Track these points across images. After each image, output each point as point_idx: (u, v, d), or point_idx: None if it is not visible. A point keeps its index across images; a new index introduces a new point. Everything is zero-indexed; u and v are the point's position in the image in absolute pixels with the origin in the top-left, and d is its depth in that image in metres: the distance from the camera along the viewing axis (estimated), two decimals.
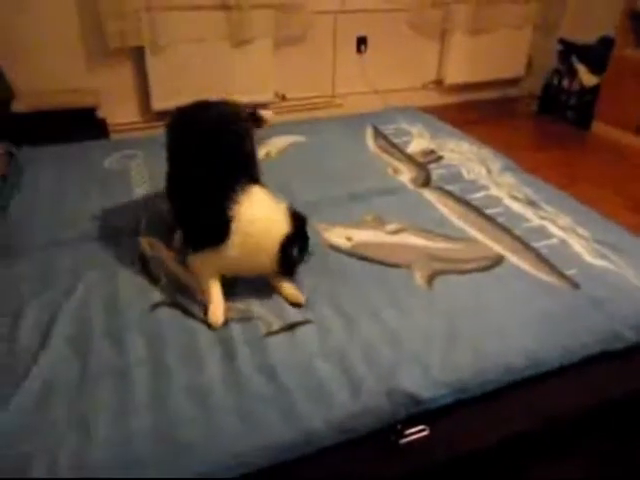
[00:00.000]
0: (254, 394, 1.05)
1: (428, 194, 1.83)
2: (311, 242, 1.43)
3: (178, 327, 1.21)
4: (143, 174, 1.90)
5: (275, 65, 3.28)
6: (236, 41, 3.11)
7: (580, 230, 1.62)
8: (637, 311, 1.31)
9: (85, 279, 1.34)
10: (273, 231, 1.25)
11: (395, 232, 1.60)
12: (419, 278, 1.39)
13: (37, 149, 2.07)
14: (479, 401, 1.13)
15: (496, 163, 2.07)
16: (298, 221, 1.28)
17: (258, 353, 1.14)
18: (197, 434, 0.97)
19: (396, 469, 1.07)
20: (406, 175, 1.96)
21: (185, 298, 1.29)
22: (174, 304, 1.27)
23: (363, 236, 1.57)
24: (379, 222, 1.64)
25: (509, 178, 1.96)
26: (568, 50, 3.77)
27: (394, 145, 2.20)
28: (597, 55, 3.60)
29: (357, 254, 1.48)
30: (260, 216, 1.26)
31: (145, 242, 1.50)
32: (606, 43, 3.59)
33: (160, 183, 1.65)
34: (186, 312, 1.25)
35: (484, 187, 1.88)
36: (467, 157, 2.12)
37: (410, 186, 1.90)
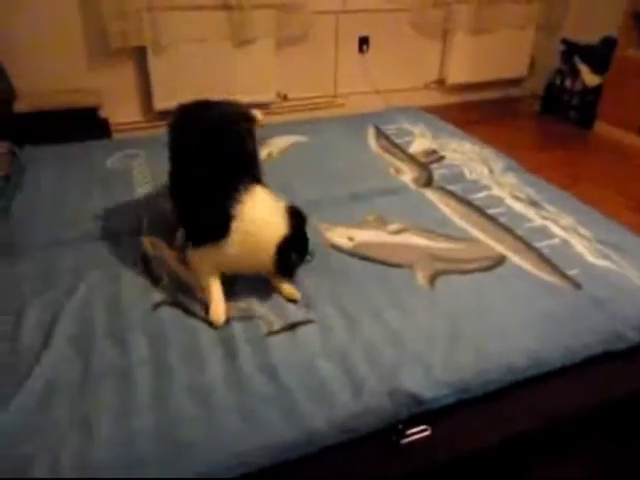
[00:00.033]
0: (256, 393, 1.05)
1: (430, 194, 1.82)
2: (313, 242, 1.43)
3: (180, 326, 1.21)
4: (145, 174, 1.91)
5: (277, 65, 3.28)
6: (238, 41, 3.11)
7: (582, 230, 1.61)
8: (639, 311, 1.30)
9: (87, 279, 1.34)
10: (272, 232, 1.25)
11: (397, 232, 1.60)
12: (421, 278, 1.39)
13: (39, 149, 2.08)
14: (481, 401, 1.12)
15: (498, 163, 2.07)
16: (297, 222, 1.28)
17: (260, 352, 1.14)
18: (199, 433, 0.97)
19: (398, 469, 1.06)
20: (408, 175, 1.96)
21: (187, 297, 1.29)
22: (176, 303, 1.27)
23: (365, 236, 1.57)
24: (381, 222, 1.64)
25: (511, 178, 1.95)
26: (571, 50, 3.76)
27: (396, 145, 2.20)
28: (600, 55, 3.59)
29: (359, 254, 1.48)
30: (261, 216, 1.26)
31: (147, 241, 1.50)
32: (609, 43, 3.58)
33: (162, 182, 1.66)
34: (188, 311, 1.25)
35: (486, 187, 1.88)
36: (469, 157, 2.11)
37: (412, 186, 1.90)
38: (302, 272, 1.38)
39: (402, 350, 1.16)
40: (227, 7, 3.01)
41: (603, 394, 1.24)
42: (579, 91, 3.73)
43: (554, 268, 1.44)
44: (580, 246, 1.54)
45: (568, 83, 3.79)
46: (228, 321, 1.22)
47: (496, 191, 1.85)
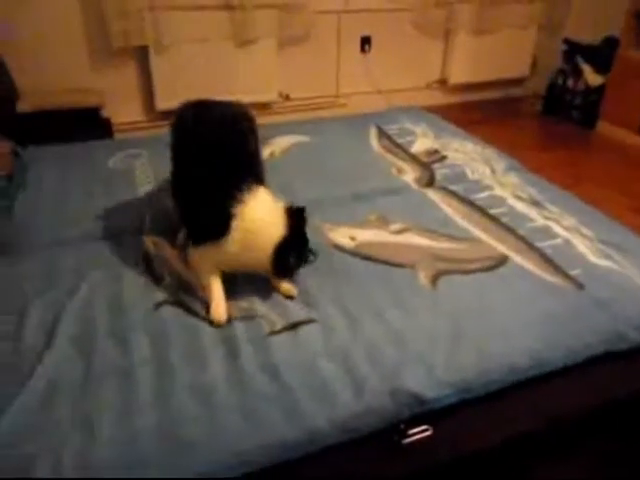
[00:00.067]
0: (257, 393, 1.05)
1: (432, 194, 1.82)
2: (315, 242, 1.43)
3: (182, 326, 1.21)
4: (147, 173, 1.91)
5: (279, 65, 3.28)
6: (240, 41, 3.11)
7: (584, 230, 1.61)
8: None
9: (89, 278, 1.34)
10: (270, 232, 1.26)
11: (399, 232, 1.59)
12: (423, 278, 1.39)
13: (41, 149, 2.08)
14: (483, 401, 1.12)
15: (500, 163, 2.07)
16: (296, 223, 1.29)
17: (261, 352, 1.14)
18: (201, 433, 0.98)
19: (399, 469, 1.06)
20: (410, 175, 1.96)
21: (189, 297, 1.29)
22: (178, 303, 1.27)
23: (367, 236, 1.57)
24: (383, 222, 1.64)
25: (513, 178, 1.95)
26: (573, 50, 3.75)
27: (398, 145, 2.20)
28: (602, 55, 3.59)
29: (361, 254, 1.48)
30: (261, 216, 1.27)
31: (149, 241, 1.50)
32: (611, 43, 3.58)
33: (164, 182, 1.66)
34: (190, 311, 1.25)
35: (488, 187, 1.88)
36: (471, 157, 2.11)
37: (414, 186, 1.90)
38: (304, 272, 1.38)
39: (404, 350, 1.16)
40: (229, 7, 3.01)
41: (605, 394, 1.24)
42: (581, 91, 3.72)
43: (556, 268, 1.44)
44: (582, 246, 1.54)
45: (570, 83, 3.79)
46: (230, 320, 1.23)
47: (498, 191, 1.85)
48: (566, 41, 3.79)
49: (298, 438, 0.98)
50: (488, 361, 1.15)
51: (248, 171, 1.36)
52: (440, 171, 1.99)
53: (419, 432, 1.06)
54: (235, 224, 1.23)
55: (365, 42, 3.53)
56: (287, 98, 3.44)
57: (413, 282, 1.37)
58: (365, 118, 2.48)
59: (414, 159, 2.08)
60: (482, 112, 3.83)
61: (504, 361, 1.15)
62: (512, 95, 4.09)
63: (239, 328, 1.21)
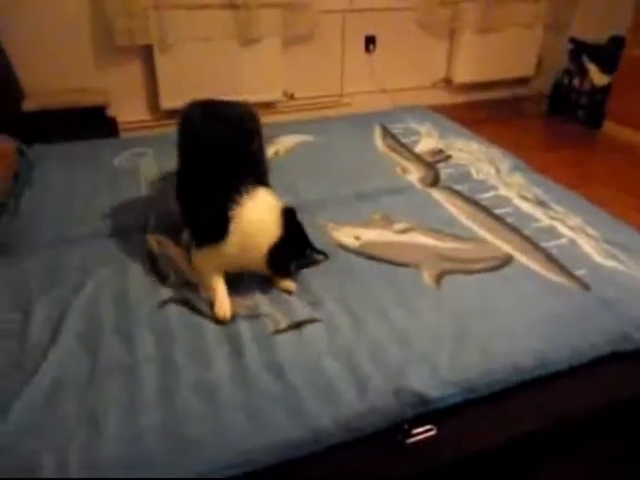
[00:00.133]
0: (262, 392, 1.05)
1: (436, 194, 1.82)
2: (319, 241, 1.43)
3: (186, 324, 1.22)
4: (152, 172, 1.91)
5: (283, 64, 3.28)
6: (244, 40, 3.11)
7: (590, 230, 1.60)
8: None
9: (94, 276, 1.35)
10: (266, 233, 1.28)
11: (403, 231, 1.59)
12: (427, 277, 1.39)
13: (47, 147, 2.09)
14: (487, 401, 1.12)
15: (505, 163, 2.06)
16: (291, 223, 1.31)
17: (266, 351, 1.14)
18: (205, 431, 0.98)
19: (403, 469, 1.06)
20: (414, 174, 1.96)
21: (193, 295, 1.30)
22: (183, 301, 1.28)
23: (371, 235, 1.56)
24: (387, 221, 1.64)
25: (518, 178, 1.95)
26: (579, 49, 3.74)
27: (402, 144, 2.19)
28: (608, 54, 3.57)
29: (365, 253, 1.48)
30: (258, 217, 1.28)
31: (153, 240, 1.50)
32: (617, 42, 3.56)
33: (169, 181, 1.66)
34: (194, 309, 1.26)
35: (493, 187, 1.87)
36: (476, 157, 2.10)
37: (418, 185, 1.89)
38: (308, 271, 1.38)
39: (408, 349, 1.16)
40: (233, 6, 3.01)
41: (610, 394, 1.23)
42: (587, 90, 3.70)
43: (561, 268, 1.43)
44: (588, 246, 1.53)
45: (576, 82, 3.77)
46: (234, 318, 1.23)
47: (503, 191, 1.85)
48: (572, 40, 3.78)
49: (302, 437, 0.99)
50: (492, 361, 1.15)
51: (250, 172, 1.38)
52: (445, 171, 1.98)
53: (423, 432, 1.06)
54: (233, 227, 1.26)
55: (370, 41, 3.53)
56: (291, 97, 3.44)
57: (417, 282, 1.37)
58: (369, 117, 2.47)
59: (419, 159, 2.08)
60: (487, 112, 3.82)
61: (508, 361, 1.15)
62: (517, 95, 4.08)
63: (243, 327, 1.21)
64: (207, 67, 3.08)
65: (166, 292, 1.31)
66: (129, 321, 1.21)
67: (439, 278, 1.38)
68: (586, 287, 1.36)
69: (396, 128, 2.34)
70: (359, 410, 1.03)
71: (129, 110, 3.06)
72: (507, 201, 1.78)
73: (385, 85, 3.63)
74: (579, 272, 1.42)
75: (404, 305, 1.28)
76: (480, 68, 3.82)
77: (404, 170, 1.99)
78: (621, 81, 3.45)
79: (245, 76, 3.19)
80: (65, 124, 2.52)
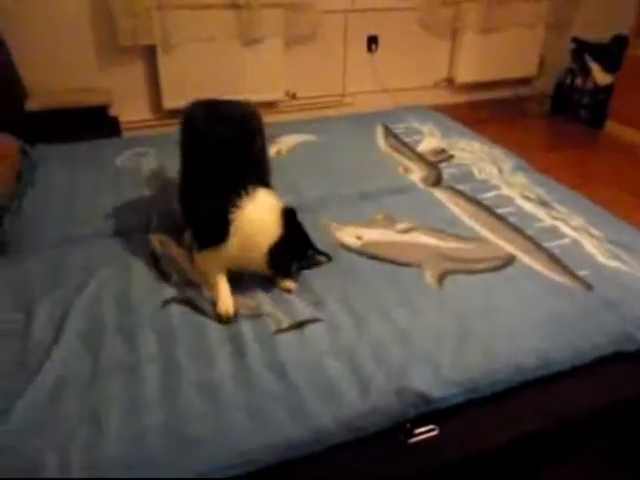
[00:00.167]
0: (264, 391, 1.05)
1: (439, 193, 1.82)
2: (321, 241, 1.43)
3: (189, 323, 1.22)
4: (155, 172, 1.91)
5: (285, 64, 3.28)
6: (246, 40, 3.12)
7: (593, 230, 1.60)
8: None
9: (97, 276, 1.35)
10: (265, 234, 1.29)
11: (405, 231, 1.59)
12: (429, 277, 1.39)
13: (50, 147, 2.09)
14: (490, 401, 1.12)
15: (507, 163, 2.06)
16: (291, 224, 1.31)
17: (268, 350, 1.14)
18: (207, 430, 0.98)
19: (405, 468, 1.06)
20: (417, 174, 1.96)
21: (196, 294, 1.30)
22: (185, 301, 1.28)
23: (373, 235, 1.56)
24: (389, 221, 1.64)
25: (521, 178, 1.94)
26: (581, 49, 3.73)
27: (405, 144, 2.19)
28: (611, 54, 3.56)
29: (367, 253, 1.48)
30: (258, 218, 1.29)
31: (155, 240, 1.50)
32: (620, 41, 3.55)
33: (171, 180, 1.67)
34: (197, 308, 1.26)
35: (495, 187, 1.87)
36: (478, 156, 2.10)
37: (421, 185, 1.89)
38: (310, 271, 1.38)
39: (410, 349, 1.16)
40: (235, 6, 3.01)
41: (613, 394, 1.23)
42: (590, 90, 3.69)
43: (564, 268, 1.43)
44: (591, 246, 1.53)
45: (579, 82, 3.76)
46: (236, 316, 1.23)
47: (505, 191, 1.84)
48: (574, 40, 3.77)
49: (304, 437, 0.99)
50: (495, 361, 1.14)
51: (252, 171, 1.39)
52: (447, 170, 1.98)
53: (425, 431, 1.06)
54: (233, 229, 1.27)
55: (372, 41, 3.52)
56: (294, 97, 3.44)
57: (419, 281, 1.37)
58: (372, 117, 2.47)
59: (421, 158, 2.07)
60: (489, 111, 3.81)
61: (511, 361, 1.15)
62: (520, 94, 4.07)
63: (246, 326, 1.21)
64: (209, 67, 3.08)
65: (168, 292, 1.31)
66: (132, 321, 1.21)
67: (441, 278, 1.38)
68: (589, 287, 1.36)
69: (398, 128, 2.34)
70: (361, 410, 1.03)
71: (132, 110, 3.07)
72: (509, 201, 1.78)
73: (387, 85, 3.63)
74: (582, 272, 1.41)
75: (406, 305, 1.28)
76: (482, 68, 3.81)
77: (406, 170, 1.99)
78: (624, 80, 3.44)
79: (247, 76, 3.19)
80: (68, 124, 2.52)
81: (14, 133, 2.01)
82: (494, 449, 1.12)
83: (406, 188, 1.86)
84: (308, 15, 3.19)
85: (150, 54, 3.00)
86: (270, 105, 3.33)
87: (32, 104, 2.57)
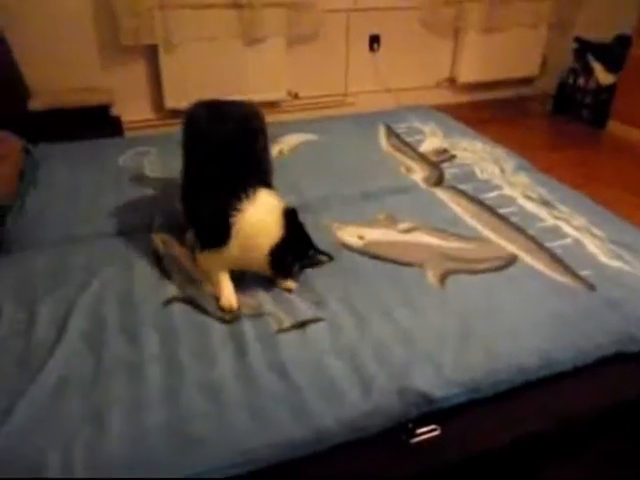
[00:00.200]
0: (265, 391, 1.05)
1: (441, 193, 1.82)
2: (323, 240, 1.43)
3: (191, 323, 1.22)
4: (156, 171, 1.92)
5: (288, 63, 3.28)
6: (248, 39, 3.12)
7: (595, 230, 1.60)
8: None
9: (99, 275, 1.35)
10: (267, 235, 1.29)
11: (407, 231, 1.59)
12: (431, 277, 1.39)
13: (52, 146, 2.10)
14: (492, 401, 1.12)
15: (510, 162, 2.05)
16: (292, 224, 1.32)
17: (269, 350, 1.14)
18: (209, 430, 0.98)
19: (407, 468, 1.06)
20: (419, 174, 1.96)
21: (198, 294, 1.30)
22: (187, 300, 1.28)
23: (375, 235, 1.56)
24: (391, 221, 1.64)
25: (523, 178, 1.94)
26: (584, 48, 3.72)
27: (407, 144, 2.19)
28: (613, 53, 3.55)
29: (369, 253, 1.48)
30: (260, 219, 1.30)
31: (158, 239, 1.51)
32: (623, 41, 3.54)
33: (174, 180, 1.67)
34: (199, 308, 1.26)
35: (497, 187, 1.87)
36: (480, 156, 2.10)
37: (423, 185, 1.89)
38: (312, 271, 1.38)
39: (412, 349, 1.15)
40: (238, 5, 3.01)
41: (615, 395, 1.23)
42: (592, 90, 3.69)
43: (566, 268, 1.43)
44: (593, 246, 1.53)
45: (581, 82, 3.75)
46: (239, 317, 1.23)
47: (507, 191, 1.84)
48: (577, 39, 3.76)
49: (305, 437, 0.99)
50: (497, 361, 1.14)
51: (254, 171, 1.39)
52: (449, 170, 1.98)
53: (427, 432, 1.06)
54: (235, 231, 1.28)
55: (374, 41, 3.52)
56: (296, 97, 3.44)
57: (421, 281, 1.37)
58: (374, 117, 2.47)
59: (423, 158, 2.07)
60: (491, 111, 3.81)
61: (513, 361, 1.15)
62: (522, 94, 4.06)
63: (247, 326, 1.21)
64: (211, 67, 3.08)
65: (171, 291, 1.31)
66: (134, 320, 1.22)
67: (443, 278, 1.38)
68: (591, 287, 1.36)
69: (400, 128, 2.33)
70: (363, 410, 1.03)
71: (134, 109, 3.07)
72: (512, 201, 1.77)
73: (389, 84, 3.63)
74: (584, 272, 1.41)
75: (408, 305, 1.28)
76: (484, 68, 3.81)
77: (408, 169, 1.99)
78: (626, 80, 3.44)
79: (249, 75, 3.19)
80: (70, 123, 2.53)
81: (17, 132, 2.01)
82: (496, 449, 1.12)
83: (408, 188, 1.86)
84: (310, 14, 3.19)
85: (152, 54, 3.01)
86: (272, 105, 3.34)
87: (35, 103, 2.58)
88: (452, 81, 3.87)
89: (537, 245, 1.53)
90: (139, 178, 1.87)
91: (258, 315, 1.24)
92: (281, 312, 1.25)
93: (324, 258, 1.42)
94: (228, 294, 1.28)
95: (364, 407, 1.03)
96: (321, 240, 1.43)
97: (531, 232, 1.59)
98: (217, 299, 1.27)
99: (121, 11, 2.79)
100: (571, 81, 3.82)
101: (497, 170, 1.99)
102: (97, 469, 0.92)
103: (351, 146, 2.15)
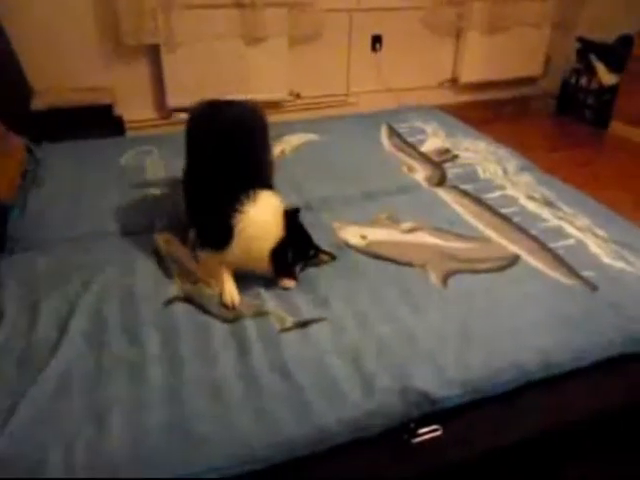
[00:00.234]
0: (267, 390, 1.05)
1: (443, 193, 1.81)
2: (325, 240, 1.43)
3: (193, 322, 1.22)
4: (158, 170, 1.92)
5: (289, 63, 3.28)
6: (250, 39, 3.11)
7: (598, 231, 1.59)
8: None
9: (101, 275, 1.35)
10: (267, 236, 1.30)
11: (410, 231, 1.59)
12: (434, 277, 1.38)
13: (55, 146, 2.10)
14: (493, 401, 1.12)
15: (512, 163, 2.05)
16: (293, 225, 1.32)
17: (271, 349, 1.14)
18: (210, 429, 0.98)
19: (408, 469, 1.06)
20: (421, 174, 1.95)
21: (200, 293, 1.30)
22: (189, 299, 1.28)
23: (378, 235, 1.56)
24: (394, 221, 1.63)
25: (526, 178, 1.94)
26: (587, 48, 3.71)
27: (409, 144, 2.19)
28: (616, 54, 3.54)
29: (371, 253, 1.48)
30: (261, 220, 1.31)
31: (160, 239, 1.51)
32: (626, 42, 3.54)
33: (176, 179, 1.67)
34: (200, 307, 1.26)
35: (500, 187, 1.86)
36: (483, 156, 2.10)
37: (425, 185, 1.89)
38: (314, 270, 1.38)
39: (414, 349, 1.15)
40: (240, 5, 3.01)
41: (617, 396, 1.23)
42: (595, 90, 3.68)
43: (569, 269, 1.42)
44: (596, 247, 1.52)
45: (584, 82, 3.75)
46: (241, 314, 1.23)
47: (510, 191, 1.84)
48: (580, 39, 3.75)
49: (307, 436, 0.98)
50: (498, 361, 1.14)
51: (255, 173, 1.40)
52: (451, 170, 1.97)
53: (429, 432, 1.05)
54: (236, 233, 1.29)
55: (376, 41, 3.52)
56: (298, 96, 3.44)
57: (424, 281, 1.37)
58: (376, 117, 2.47)
59: (425, 158, 2.07)
60: (494, 111, 3.80)
61: (514, 362, 1.14)
62: (525, 94, 4.05)
63: (249, 325, 1.21)
64: (213, 66, 3.08)
65: (172, 291, 1.31)
66: (136, 320, 1.22)
67: (445, 278, 1.38)
68: (594, 288, 1.35)
69: (402, 127, 2.33)
70: (365, 409, 1.03)
71: (136, 109, 3.07)
72: (514, 201, 1.77)
73: (391, 84, 3.62)
74: (587, 273, 1.41)
75: (410, 305, 1.28)
76: (487, 68, 3.80)
77: (410, 169, 1.99)
78: (629, 81, 3.43)
79: (251, 75, 3.19)
80: (72, 123, 2.53)
81: (19, 132, 2.02)
82: (498, 449, 1.12)
83: (410, 188, 1.86)
84: (312, 14, 3.18)
85: (154, 53, 3.01)
86: (274, 105, 3.33)
87: (37, 103, 2.58)
88: (454, 81, 3.86)
89: (540, 245, 1.53)
90: (141, 178, 1.87)
91: (260, 314, 1.24)
92: (283, 311, 1.25)
93: (326, 258, 1.42)
94: (230, 290, 1.28)
95: (366, 407, 1.03)
96: (323, 240, 1.43)
97: (534, 232, 1.58)
98: (219, 295, 1.28)
99: (123, 11, 2.79)
100: (574, 81, 3.81)
101: (500, 170, 1.99)
102: (98, 469, 0.92)
103: (353, 146, 2.15)
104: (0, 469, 0.90)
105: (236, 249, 1.30)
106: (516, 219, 1.66)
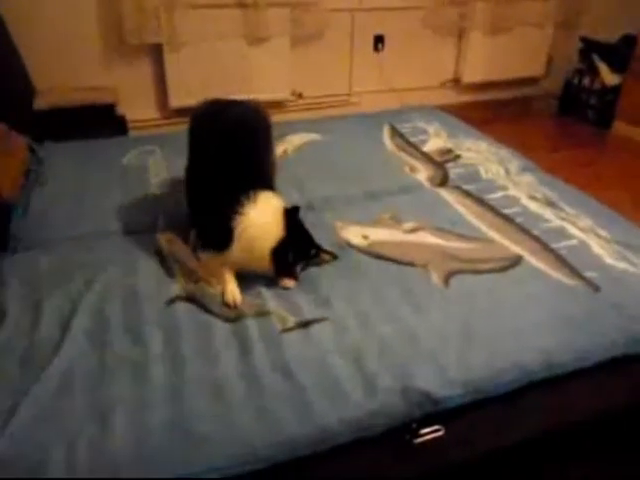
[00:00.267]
0: (269, 390, 1.05)
1: (445, 193, 1.81)
2: (327, 240, 1.43)
3: (195, 322, 1.22)
4: (161, 170, 1.92)
5: (292, 63, 3.28)
6: (253, 39, 3.12)
7: (600, 231, 1.59)
8: None
9: (104, 273, 1.36)
10: (268, 236, 1.31)
11: (412, 231, 1.59)
12: (436, 277, 1.38)
13: (58, 145, 2.10)
14: (495, 402, 1.12)
15: (514, 163, 2.05)
16: (293, 224, 1.33)
17: (273, 349, 1.14)
18: (212, 429, 0.98)
19: (410, 469, 1.06)
20: (423, 174, 1.95)
21: (202, 293, 1.30)
22: (191, 299, 1.28)
23: (380, 235, 1.56)
24: (396, 221, 1.63)
25: (528, 178, 1.93)
26: (589, 48, 3.70)
27: (411, 144, 2.19)
28: (619, 54, 3.54)
29: (373, 252, 1.48)
30: (261, 220, 1.31)
31: (162, 238, 1.51)
32: (628, 42, 3.53)
33: (178, 179, 1.67)
34: (203, 307, 1.26)
35: (502, 187, 1.86)
36: (485, 156, 2.09)
37: (427, 185, 1.89)
38: (316, 270, 1.38)
39: (416, 349, 1.15)
40: (242, 5, 3.01)
41: (619, 397, 1.22)
42: (598, 90, 3.67)
43: (571, 270, 1.42)
44: (598, 247, 1.52)
45: (586, 82, 3.74)
46: (243, 314, 1.23)
47: (512, 191, 1.83)
48: (583, 39, 3.75)
49: (309, 436, 0.99)
50: (500, 362, 1.14)
51: (256, 173, 1.40)
52: (454, 170, 1.97)
53: (431, 432, 1.05)
54: (236, 234, 1.29)
55: (378, 41, 3.52)
56: (300, 96, 3.44)
57: (425, 281, 1.37)
58: (378, 117, 2.47)
59: (427, 158, 2.07)
60: (496, 111, 3.79)
61: (516, 362, 1.14)
62: (527, 95, 4.05)
63: (251, 325, 1.21)
64: (216, 66, 3.08)
65: (175, 290, 1.31)
66: (138, 319, 1.22)
67: (447, 278, 1.38)
68: (596, 289, 1.35)
69: (404, 127, 2.33)
70: (367, 409, 1.03)
71: (138, 108, 3.08)
72: (516, 201, 1.77)
73: (393, 84, 3.62)
74: (589, 273, 1.40)
75: (412, 305, 1.28)
76: (489, 68, 3.80)
77: (413, 169, 1.99)
78: (632, 81, 3.42)
79: (254, 75, 3.19)
80: (75, 122, 2.54)
81: (22, 131, 2.02)
82: (500, 450, 1.12)
83: (412, 188, 1.86)
84: (315, 14, 3.18)
85: (157, 53, 3.01)
86: (276, 104, 3.33)
87: (40, 102, 2.59)
88: (457, 81, 3.86)
89: (542, 246, 1.52)
90: (143, 177, 1.87)
91: (262, 314, 1.24)
92: (285, 311, 1.25)
93: (328, 257, 1.42)
94: (232, 290, 1.29)
95: (368, 407, 1.03)
96: (325, 240, 1.43)
97: (536, 233, 1.58)
98: (221, 294, 1.28)
99: (126, 10, 2.79)
100: (576, 81, 3.80)
101: (502, 170, 1.99)
102: (101, 468, 0.92)
103: (355, 146, 2.15)
104: (1, 469, 0.91)
105: (237, 250, 1.30)
106: (518, 219, 1.65)
